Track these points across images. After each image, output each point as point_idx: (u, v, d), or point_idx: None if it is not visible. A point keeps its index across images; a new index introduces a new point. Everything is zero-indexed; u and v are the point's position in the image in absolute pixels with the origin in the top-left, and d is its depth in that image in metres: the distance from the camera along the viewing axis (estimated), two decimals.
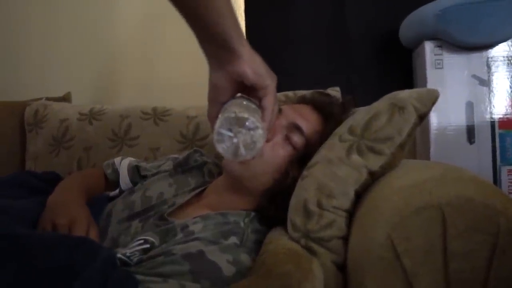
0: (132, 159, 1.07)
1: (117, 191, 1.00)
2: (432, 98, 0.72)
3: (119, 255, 0.69)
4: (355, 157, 0.70)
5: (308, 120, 0.85)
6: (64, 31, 1.66)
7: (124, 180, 1.01)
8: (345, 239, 0.67)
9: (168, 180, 0.93)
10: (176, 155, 1.06)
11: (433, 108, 1.26)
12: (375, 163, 0.69)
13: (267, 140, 0.78)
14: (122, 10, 1.59)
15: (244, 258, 0.69)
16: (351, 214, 0.69)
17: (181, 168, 0.97)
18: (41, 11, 1.62)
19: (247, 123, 0.63)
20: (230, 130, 0.64)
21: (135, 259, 0.70)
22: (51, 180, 0.97)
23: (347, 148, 0.71)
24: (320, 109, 0.88)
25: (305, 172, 0.74)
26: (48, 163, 1.25)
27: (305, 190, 0.71)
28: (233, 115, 0.63)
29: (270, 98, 0.67)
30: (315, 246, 0.67)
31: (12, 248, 0.56)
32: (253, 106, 0.66)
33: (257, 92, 0.67)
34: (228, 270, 0.66)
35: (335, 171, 0.70)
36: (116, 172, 1.02)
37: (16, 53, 1.65)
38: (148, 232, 0.76)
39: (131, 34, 1.61)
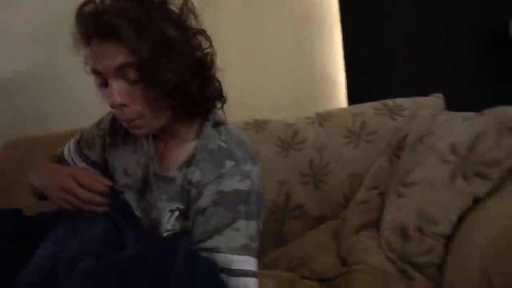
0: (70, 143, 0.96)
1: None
2: None
3: (165, 234, 0.76)
4: (460, 182, 0.68)
5: (105, 58, 0.69)
6: None
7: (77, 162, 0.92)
8: (441, 265, 0.67)
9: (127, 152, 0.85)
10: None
11: None
12: (482, 189, 0.67)
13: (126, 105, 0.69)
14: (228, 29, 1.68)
15: (245, 166, 0.72)
16: (449, 239, 0.69)
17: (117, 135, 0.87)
18: None
19: None
20: None
21: (178, 228, 0.76)
22: None
23: (451, 172, 0.69)
24: (102, 34, 0.68)
25: (400, 189, 0.74)
26: None
27: (403, 212, 0.71)
28: None
29: None
30: (411, 271, 0.68)
31: (110, 271, 0.66)
32: None
33: None
34: (244, 185, 0.70)
35: (438, 196, 0.69)
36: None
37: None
38: (165, 203, 0.77)
39: (237, 47, 1.68)
